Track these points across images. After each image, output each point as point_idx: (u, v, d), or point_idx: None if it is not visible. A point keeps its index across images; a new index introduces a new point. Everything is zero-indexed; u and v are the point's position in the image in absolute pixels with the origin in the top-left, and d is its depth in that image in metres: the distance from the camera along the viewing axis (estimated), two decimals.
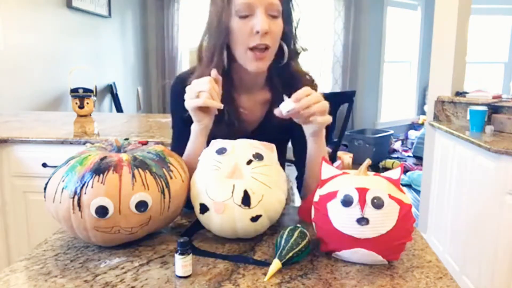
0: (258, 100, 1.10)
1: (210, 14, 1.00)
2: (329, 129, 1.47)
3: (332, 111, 1.79)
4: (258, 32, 0.93)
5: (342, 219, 0.74)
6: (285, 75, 1.07)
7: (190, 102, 0.93)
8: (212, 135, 0.97)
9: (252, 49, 0.96)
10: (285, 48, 1.02)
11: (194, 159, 0.94)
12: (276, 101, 0.97)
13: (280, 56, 1.03)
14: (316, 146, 0.99)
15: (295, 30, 1.05)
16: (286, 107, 0.89)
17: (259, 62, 0.98)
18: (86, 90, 2.44)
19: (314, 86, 1.07)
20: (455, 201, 2.39)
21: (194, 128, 0.98)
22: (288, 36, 1.02)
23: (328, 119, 0.92)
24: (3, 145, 1.79)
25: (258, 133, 1.06)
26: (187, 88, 0.93)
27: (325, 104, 0.91)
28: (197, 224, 0.90)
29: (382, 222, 0.73)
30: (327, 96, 0.94)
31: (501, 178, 1.93)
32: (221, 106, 0.92)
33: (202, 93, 0.91)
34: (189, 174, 0.90)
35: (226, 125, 1.03)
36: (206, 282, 0.71)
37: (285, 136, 1.16)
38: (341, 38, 5.28)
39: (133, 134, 1.93)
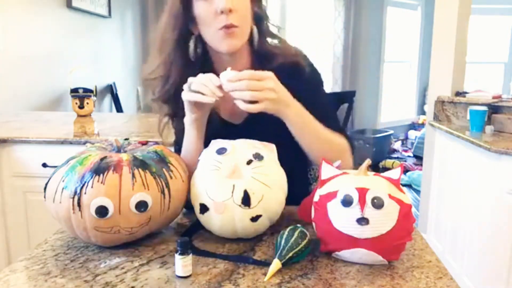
0: None
1: (169, 6, 0.97)
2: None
3: None
4: (222, 12, 0.90)
5: (342, 219, 0.74)
6: (262, 55, 1.01)
7: (184, 94, 0.91)
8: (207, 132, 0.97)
9: (221, 29, 0.92)
10: (254, 29, 0.98)
11: (187, 156, 0.95)
12: None
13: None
14: (289, 125, 0.94)
15: (265, 8, 1.01)
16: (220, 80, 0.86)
17: (229, 39, 0.93)
18: (86, 90, 2.44)
19: (296, 57, 1.02)
20: (455, 201, 2.39)
21: (186, 120, 0.96)
22: (258, 15, 0.99)
23: (254, 108, 0.85)
24: (3, 145, 1.79)
25: (251, 122, 1.02)
26: (190, 79, 0.90)
27: (254, 94, 0.83)
28: (197, 224, 0.89)
29: (382, 222, 0.73)
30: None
31: (501, 178, 1.93)
32: (212, 100, 0.86)
33: (199, 87, 0.87)
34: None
35: (212, 120, 0.99)
36: (206, 282, 0.71)
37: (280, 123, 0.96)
38: (341, 38, 5.28)
39: (133, 134, 1.93)
